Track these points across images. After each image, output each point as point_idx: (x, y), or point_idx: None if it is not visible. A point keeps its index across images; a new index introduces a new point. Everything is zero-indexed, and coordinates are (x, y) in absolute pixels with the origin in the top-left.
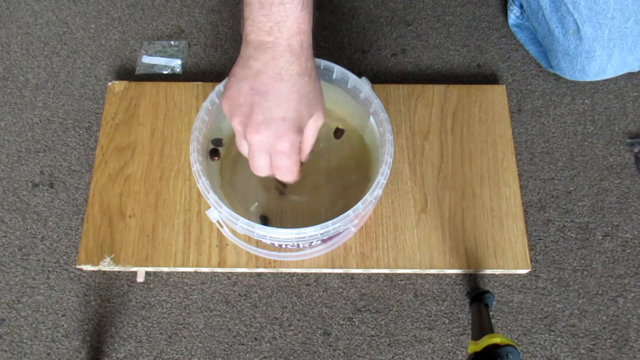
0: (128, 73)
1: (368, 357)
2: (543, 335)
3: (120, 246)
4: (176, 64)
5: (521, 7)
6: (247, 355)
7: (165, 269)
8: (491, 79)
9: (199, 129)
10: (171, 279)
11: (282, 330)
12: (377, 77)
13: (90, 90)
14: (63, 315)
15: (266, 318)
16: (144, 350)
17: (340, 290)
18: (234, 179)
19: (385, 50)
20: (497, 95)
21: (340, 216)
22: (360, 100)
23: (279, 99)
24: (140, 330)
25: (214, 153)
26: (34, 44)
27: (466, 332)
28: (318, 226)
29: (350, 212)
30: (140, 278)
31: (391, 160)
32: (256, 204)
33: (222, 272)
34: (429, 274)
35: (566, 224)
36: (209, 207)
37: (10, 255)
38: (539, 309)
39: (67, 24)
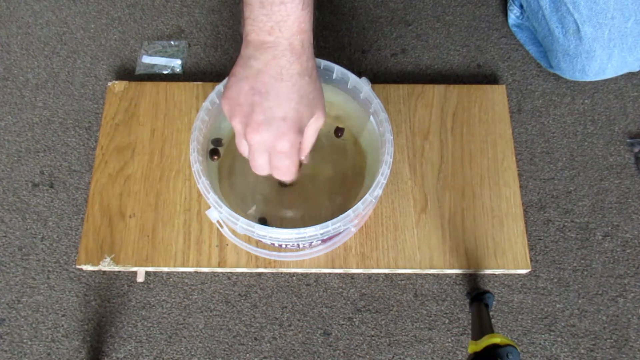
0: (128, 73)
1: (368, 357)
2: (543, 335)
3: (120, 246)
4: (176, 64)
5: (521, 7)
6: (247, 355)
7: (165, 269)
8: (491, 79)
9: (199, 129)
10: (171, 279)
11: (282, 330)
12: (377, 77)
13: (90, 90)
14: (63, 315)
15: (266, 318)
16: (144, 350)
17: (340, 290)
18: (233, 179)
19: (385, 50)
20: (497, 95)
21: (340, 216)
22: (360, 100)
23: (279, 99)
24: (140, 330)
25: (213, 153)
26: (34, 44)
27: (466, 332)
28: (318, 226)
29: (350, 212)
30: (140, 278)
31: (391, 160)
32: (256, 205)
33: (222, 272)
34: (429, 274)
35: (566, 224)
36: (209, 207)
37: (10, 255)
38: (539, 309)
39: (67, 24)
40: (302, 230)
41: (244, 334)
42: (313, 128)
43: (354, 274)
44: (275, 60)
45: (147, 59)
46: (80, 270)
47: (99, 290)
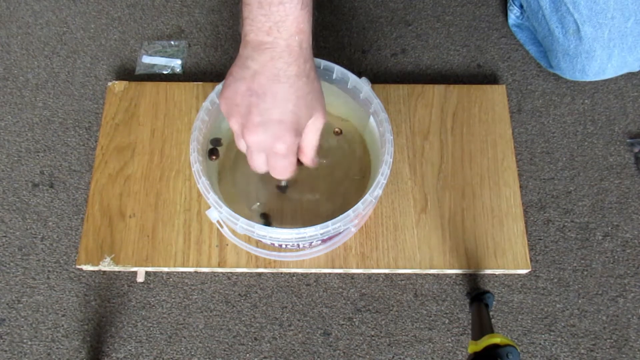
0: (128, 73)
1: (368, 357)
2: (543, 335)
3: (120, 246)
4: (176, 64)
5: (521, 7)
6: (247, 355)
7: (165, 269)
8: (491, 79)
9: (199, 129)
10: (171, 279)
11: (282, 330)
12: (377, 77)
13: (90, 90)
14: (63, 315)
15: (266, 318)
16: (144, 350)
17: (340, 290)
18: (233, 179)
19: (385, 50)
20: (497, 95)
21: (340, 216)
22: (360, 100)
23: (276, 101)
24: (140, 330)
25: (212, 153)
26: (34, 44)
27: (466, 332)
28: (318, 226)
29: (350, 212)
30: (140, 278)
31: (391, 160)
32: (257, 203)
33: (222, 272)
34: (429, 274)
35: (566, 224)
36: (209, 207)
37: (10, 255)
38: (539, 309)
39: (67, 24)
40: (302, 230)
41: (244, 334)
42: (312, 129)
43: (354, 274)
44: (272, 61)
45: (147, 59)
46: (80, 270)
47: (99, 290)
